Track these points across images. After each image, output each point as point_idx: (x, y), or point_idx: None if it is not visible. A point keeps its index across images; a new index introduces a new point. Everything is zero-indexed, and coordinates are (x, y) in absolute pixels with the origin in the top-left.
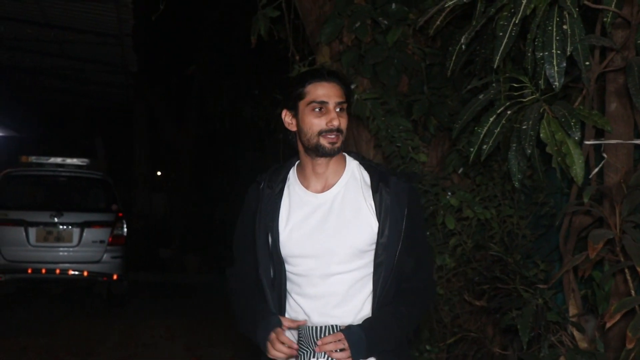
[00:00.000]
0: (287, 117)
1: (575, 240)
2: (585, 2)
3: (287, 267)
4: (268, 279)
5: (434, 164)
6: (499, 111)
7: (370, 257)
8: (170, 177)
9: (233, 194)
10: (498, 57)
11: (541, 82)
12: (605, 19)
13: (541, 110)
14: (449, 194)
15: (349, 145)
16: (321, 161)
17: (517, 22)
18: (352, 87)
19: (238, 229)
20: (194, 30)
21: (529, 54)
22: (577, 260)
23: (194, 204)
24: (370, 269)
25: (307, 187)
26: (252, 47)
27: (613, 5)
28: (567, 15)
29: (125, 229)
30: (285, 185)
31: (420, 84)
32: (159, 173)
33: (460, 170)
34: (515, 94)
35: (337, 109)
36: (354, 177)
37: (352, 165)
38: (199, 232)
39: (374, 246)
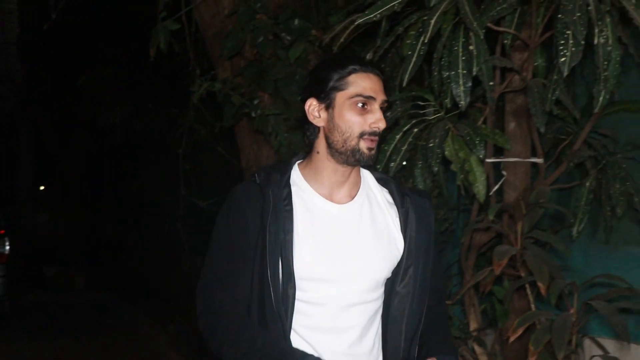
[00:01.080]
0: (313, 109)
1: (475, 256)
2: (488, 24)
3: (297, 293)
4: (278, 307)
5: None
6: (405, 129)
7: (381, 289)
8: (55, 193)
9: (125, 211)
10: (407, 76)
11: (447, 100)
12: (505, 41)
13: (446, 129)
14: None
15: (250, 160)
16: (347, 168)
17: (425, 41)
18: (255, 102)
19: (224, 242)
20: (86, 41)
21: (435, 73)
22: (481, 275)
23: (80, 221)
24: (382, 299)
25: (321, 194)
26: (151, 59)
27: (513, 28)
28: (472, 36)
29: (7, 247)
30: (291, 191)
31: None
32: (42, 188)
33: None
34: (420, 112)
35: (381, 109)
36: (370, 189)
37: (365, 174)
38: (86, 249)
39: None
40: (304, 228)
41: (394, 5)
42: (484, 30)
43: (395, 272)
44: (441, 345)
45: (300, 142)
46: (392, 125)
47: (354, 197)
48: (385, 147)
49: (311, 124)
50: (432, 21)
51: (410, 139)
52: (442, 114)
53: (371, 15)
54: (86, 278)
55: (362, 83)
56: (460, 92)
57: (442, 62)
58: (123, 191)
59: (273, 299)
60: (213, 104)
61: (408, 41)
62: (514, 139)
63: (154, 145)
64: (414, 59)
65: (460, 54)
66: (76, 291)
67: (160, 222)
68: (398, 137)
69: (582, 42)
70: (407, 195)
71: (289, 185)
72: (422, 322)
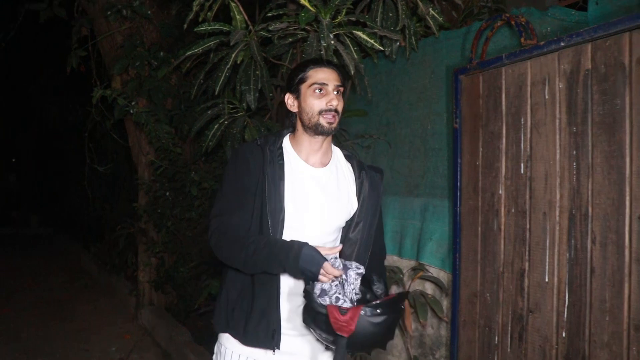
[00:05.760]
0: (289, 100)
1: None
2: (271, 59)
3: (285, 230)
4: (274, 231)
5: (187, 154)
6: (221, 121)
7: (338, 234)
8: (20, 162)
9: (63, 174)
10: (218, 87)
11: (244, 105)
12: (282, 70)
13: (245, 122)
14: (193, 172)
15: (134, 141)
16: (318, 139)
17: (229, 67)
18: (133, 103)
19: (233, 182)
20: (25, 61)
21: (238, 87)
22: None
23: (36, 180)
24: (338, 242)
25: (301, 158)
26: (67, 74)
27: (287, 62)
28: (259, 65)
29: None
30: (283, 152)
31: (178, 103)
32: (13, 160)
33: (203, 159)
34: (232, 111)
35: (335, 92)
36: (338, 159)
37: (335, 150)
38: (39, 199)
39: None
40: (291, 183)
41: (210, 45)
42: (264, 63)
43: (349, 223)
44: (378, 278)
45: (163, 129)
46: (215, 118)
47: (326, 165)
48: (208, 133)
49: (290, 111)
50: (233, 55)
51: (222, 128)
52: (243, 113)
53: (195, 50)
54: (39, 218)
55: (316, 75)
56: (251, 99)
57: (242, 80)
58: (62, 160)
59: (270, 225)
60: (110, 104)
61: (221, 66)
62: None
63: (77, 131)
64: (222, 78)
65: (252, 76)
66: (32, 227)
67: (80, 181)
68: (216, 126)
69: None
70: (364, 170)
71: (281, 148)
72: (367, 263)
